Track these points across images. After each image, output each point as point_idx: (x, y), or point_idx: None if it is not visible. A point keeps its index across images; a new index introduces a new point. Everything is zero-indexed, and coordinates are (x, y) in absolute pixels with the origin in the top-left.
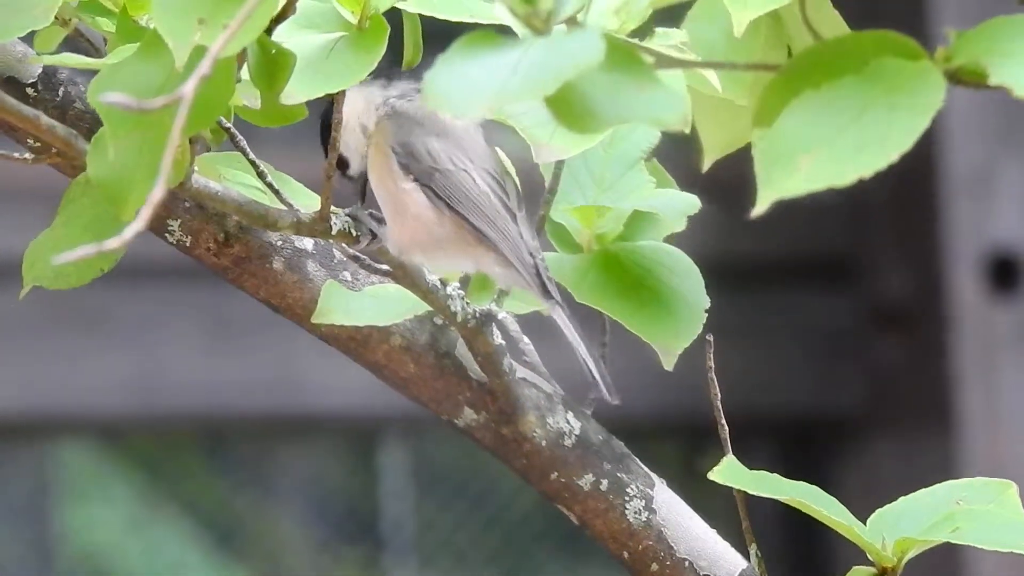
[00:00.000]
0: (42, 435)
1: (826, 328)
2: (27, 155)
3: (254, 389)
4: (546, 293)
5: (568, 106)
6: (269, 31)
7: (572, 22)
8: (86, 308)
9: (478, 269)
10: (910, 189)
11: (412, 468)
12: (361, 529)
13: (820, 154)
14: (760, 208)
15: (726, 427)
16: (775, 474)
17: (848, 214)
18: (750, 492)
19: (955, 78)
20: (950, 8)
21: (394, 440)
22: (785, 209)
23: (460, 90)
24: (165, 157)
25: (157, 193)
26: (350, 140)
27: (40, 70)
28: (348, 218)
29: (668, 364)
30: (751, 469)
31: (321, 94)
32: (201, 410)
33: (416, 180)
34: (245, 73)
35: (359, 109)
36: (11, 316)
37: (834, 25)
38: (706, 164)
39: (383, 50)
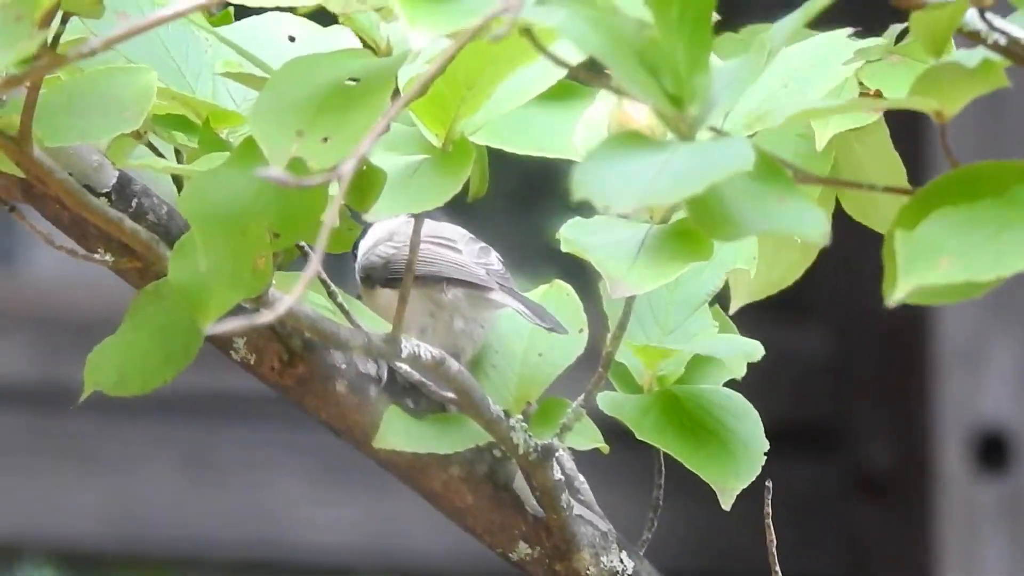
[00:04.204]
0: (16, 559)
1: (809, 494)
2: (108, 256)
3: (231, 525)
4: (486, 280)
5: (710, 211)
6: None
7: (715, 129)
8: (67, 436)
9: (455, 310)
10: (899, 360)
11: None
12: None
13: (959, 259)
14: (898, 295)
15: (779, 573)
16: None
17: (836, 382)
18: None
19: None
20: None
21: None
22: (774, 374)
23: (611, 183)
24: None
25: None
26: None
27: (115, 180)
28: (418, 344)
29: (726, 503)
30: None
31: (404, 212)
32: (178, 544)
33: (378, 285)
34: None
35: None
36: None
37: (888, 163)
38: (734, 306)
39: (467, 173)
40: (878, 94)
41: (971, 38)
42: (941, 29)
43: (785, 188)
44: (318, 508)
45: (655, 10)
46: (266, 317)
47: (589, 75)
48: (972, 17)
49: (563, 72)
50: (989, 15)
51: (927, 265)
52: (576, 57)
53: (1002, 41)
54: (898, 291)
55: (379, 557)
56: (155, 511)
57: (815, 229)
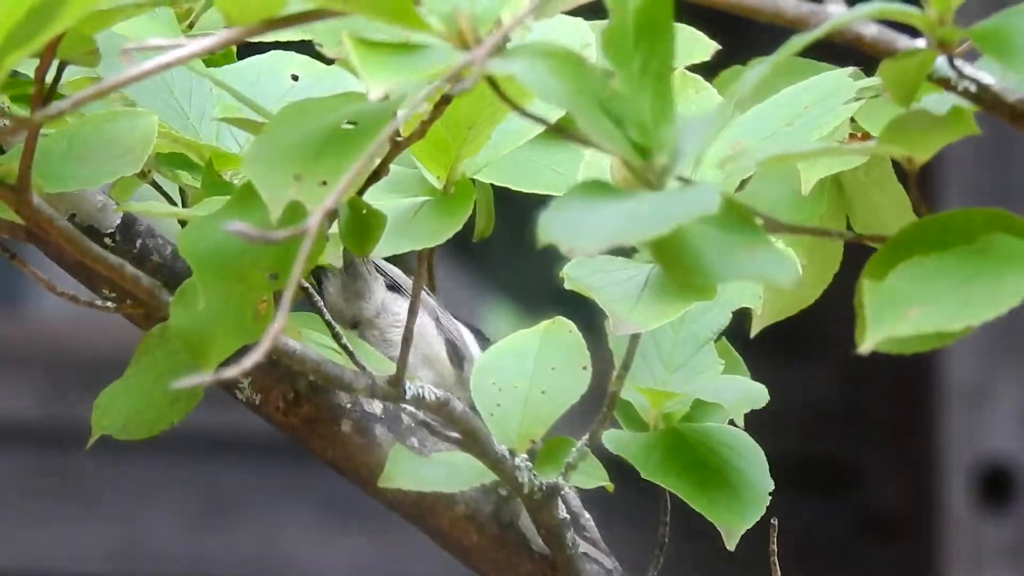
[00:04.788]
0: None
1: (815, 533)
2: (109, 303)
3: (237, 565)
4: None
5: (678, 259)
6: (360, 192)
7: (684, 179)
8: (73, 477)
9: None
10: (907, 398)
11: None
12: None
13: (928, 308)
14: (867, 346)
15: None
16: None
17: (843, 421)
18: None
19: None
20: None
21: None
22: (780, 413)
23: (576, 228)
24: (285, 296)
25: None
26: None
27: (119, 220)
28: (422, 385)
29: (731, 544)
30: None
31: (404, 251)
32: None
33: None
34: None
35: None
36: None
37: (895, 196)
38: (755, 330)
39: (467, 214)
40: (865, 136)
41: (940, 85)
42: (910, 78)
43: (753, 236)
44: (324, 548)
45: (616, 63)
46: (255, 356)
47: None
48: (941, 64)
49: (562, 113)
50: (958, 63)
51: (895, 316)
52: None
53: (972, 88)
54: (867, 343)
55: None
56: (161, 551)
57: (784, 276)
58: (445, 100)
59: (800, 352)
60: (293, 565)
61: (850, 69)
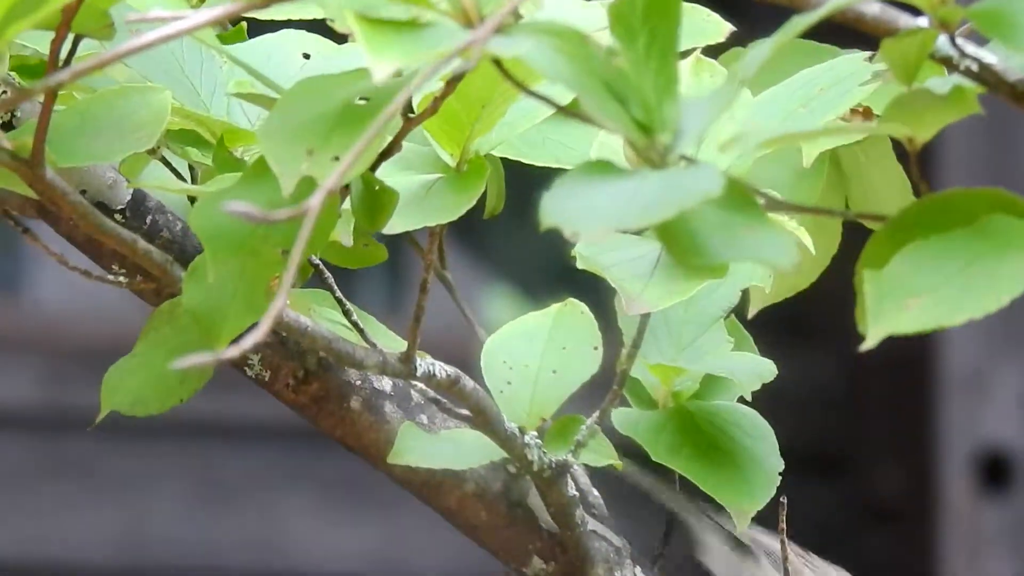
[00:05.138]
0: None
1: (816, 520)
2: (121, 278)
3: (240, 550)
4: None
5: (680, 241)
6: (373, 168)
7: (687, 158)
8: (73, 462)
9: None
10: (906, 385)
11: None
12: None
13: (928, 298)
14: (870, 343)
15: None
16: None
17: (843, 407)
18: None
19: None
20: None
21: None
22: (781, 400)
23: (579, 211)
24: (284, 277)
25: (265, 324)
26: None
27: (129, 197)
28: (432, 362)
29: (741, 526)
30: None
31: (417, 227)
32: (186, 568)
33: None
34: None
35: None
36: (2, 465)
37: (893, 176)
38: (752, 312)
39: (480, 191)
40: (867, 111)
41: (943, 64)
42: (912, 57)
43: (753, 215)
44: (327, 533)
45: (621, 42)
46: (258, 333)
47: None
48: (943, 44)
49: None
50: (960, 41)
51: (896, 307)
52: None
53: (974, 67)
54: (870, 338)
55: None
56: (163, 535)
57: (783, 257)
58: (457, 77)
59: (798, 337)
60: (296, 551)
61: (865, 53)
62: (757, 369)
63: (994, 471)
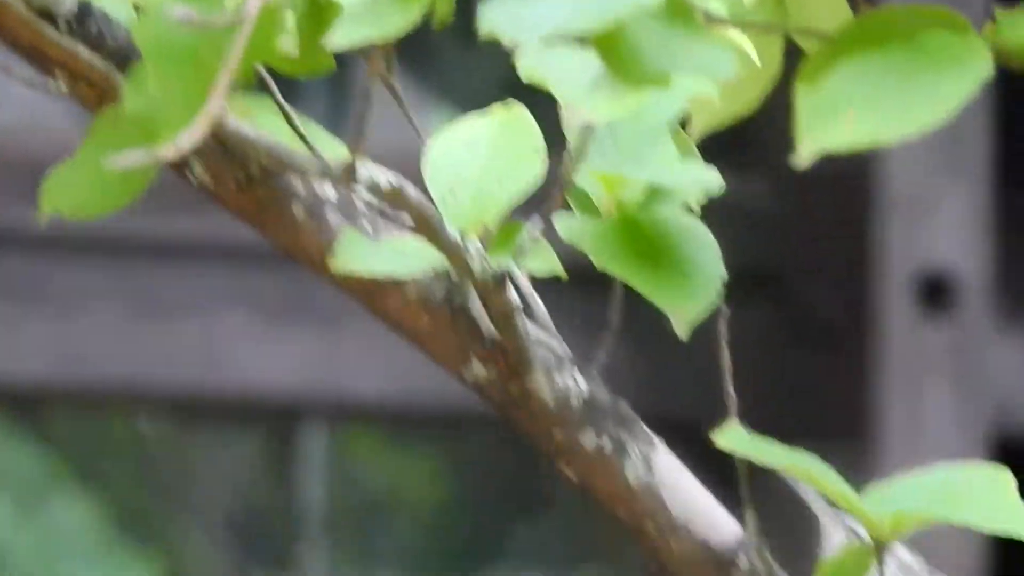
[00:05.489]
0: None
1: (752, 342)
2: (62, 85)
3: (176, 365)
4: None
5: (619, 53)
6: None
7: None
8: (9, 278)
9: None
10: (846, 205)
11: (332, 455)
12: (275, 517)
13: (866, 112)
14: (804, 158)
15: (734, 396)
16: (772, 443)
17: (780, 228)
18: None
19: (1000, 56)
20: None
21: (316, 425)
22: (717, 221)
23: (517, 20)
24: (220, 82)
25: (201, 124)
26: None
27: (76, 8)
28: (375, 167)
29: (683, 333)
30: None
31: (363, 41)
32: (122, 384)
33: None
34: None
35: None
36: None
37: (838, 6)
38: (695, 134)
39: (429, 2)
40: None
41: None
42: None
43: (695, 30)
44: (263, 351)
45: None
46: (194, 135)
47: None
48: None
49: None
50: None
51: (830, 124)
52: None
53: None
54: (801, 154)
55: (325, 396)
56: (99, 351)
57: (722, 70)
58: None
59: (735, 159)
60: (233, 367)
61: None
62: (702, 178)
63: (935, 294)
